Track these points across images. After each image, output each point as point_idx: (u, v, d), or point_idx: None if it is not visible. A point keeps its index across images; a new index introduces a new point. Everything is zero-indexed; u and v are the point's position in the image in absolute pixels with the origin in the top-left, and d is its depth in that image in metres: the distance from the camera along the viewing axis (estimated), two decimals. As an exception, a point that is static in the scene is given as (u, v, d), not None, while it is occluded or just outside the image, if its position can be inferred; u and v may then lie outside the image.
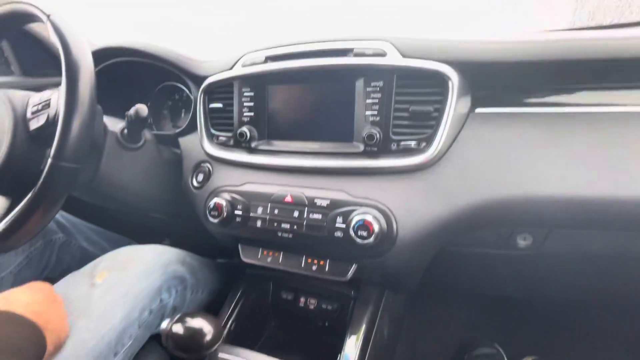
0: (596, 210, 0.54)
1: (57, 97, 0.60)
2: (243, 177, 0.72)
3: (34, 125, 0.60)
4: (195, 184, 0.79)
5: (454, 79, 0.59)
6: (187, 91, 0.93)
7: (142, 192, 0.82)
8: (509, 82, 0.62)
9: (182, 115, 1.05)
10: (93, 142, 0.66)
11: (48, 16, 0.58)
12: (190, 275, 0.73)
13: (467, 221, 0.59)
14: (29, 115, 0.61)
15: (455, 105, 0.59)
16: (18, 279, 0.80)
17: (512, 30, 1.50)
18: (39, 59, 1.11)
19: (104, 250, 0.94)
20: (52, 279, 0.84)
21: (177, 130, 0.87)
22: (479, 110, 0.63)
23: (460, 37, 0.63)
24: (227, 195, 0.70)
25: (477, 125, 0.62)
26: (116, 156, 0.74)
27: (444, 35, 0.64)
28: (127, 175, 0.77)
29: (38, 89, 1.11)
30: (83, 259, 0.91)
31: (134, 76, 0.97)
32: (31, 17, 0.63)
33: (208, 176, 0.77)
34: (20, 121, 0.60)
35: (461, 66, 0.60)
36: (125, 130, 0.74)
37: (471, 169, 0.59)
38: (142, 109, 0.66)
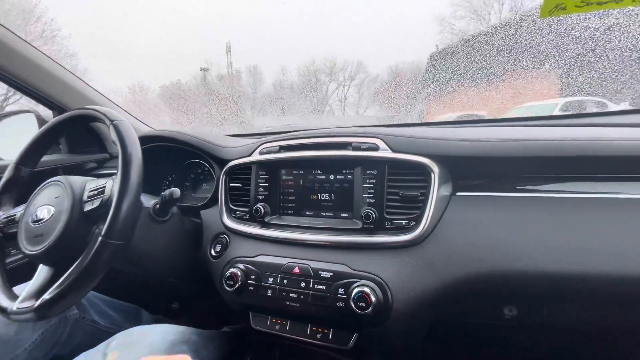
0: (562, 285, 0.61)
1: (111, 185, 0.73)
2: (257, 249, 0.82)
3: (88, 207, 0.72)
4: (213, 253, 0.89)
5: (435, 169, 0.72)
6: (210, 169, 1.08)
7: (164, 259, 0.91)
8: (482, 171, 0.75)
9: (203, 186, 1.19)
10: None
11: (112, 121, 0.75)
12: (193, 354, 0.77)
13: (453, 293, 0.66)
14: (85, 198, 0.74)
15: (437, 190, 0.71)
16: (30, 357, 0.82)
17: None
18: (83, 140, 1.31)
19: (114, 323, 0.99)
20: (63, 357, 0.86)
21: (200, 204, 1.00)
22: (459, 193, 0.75)
23: (440, 135, 0.77)
24: (241, 266, 0.79)
25: (459, 207, 0.72)
26: (146, 228, 0.85)
27: (426, 133, 0.79)
28: (154, 245, 0.87)
29: (82, 164, 1.29)
30: (95, 333, 0.94)
31: (166, 154, 1.13)
32: (96, 119, 0.80)
33: (225, 247, 0.87)
34: (77, 203, 0.73)
35: (440, 159, 0.74)
36: (157, 206, 0.86)
37: (454, 246, 0.68)
38: (176, 192, 0.79)
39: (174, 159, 1.17)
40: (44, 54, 1.14)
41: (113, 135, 0.74)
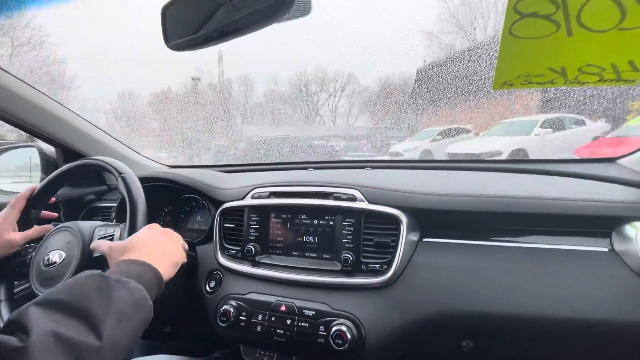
0: (505, 323, 0.73)
1: (119, 234, 0.82)
2: (248, 287, 0.91)
3: (97, 253, 0.81)
4: (208, 289, 0.97)
5: (404, 219, 0.83)
6: (206, 205, 1.17)
7: (164, 293, 0.99)
8: (444, 221, 0.87)
9: (197, 219, 1.28)
10: None
11: (120, 174, 0.84)
12: None
13: (418, 330, 0.77)
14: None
15: (406, 237, 0.82)
16: None
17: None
18: (84, 176, 1.38)
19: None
20: None
21: (196, 240, 1.09)
22: (425, 240, 0.86)
23: (410, 189, 0.88)
24: (234, 303, 0.88)
25: (425, 252, 0.84)
26: None
27: (399, 186, 0.90)
28: None
29: (82, 197, 1.36)
30: None
31: (164, 188, 1.22)
32: (105, 170, 0.89)
33: (219, 283, 0.96)
34: (86, 249, 0.81)
35: (409, 210, 0.85)
36: None
37: (419, 288, 0.79)
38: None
39: (170, 193, 1.26)
40: (47, 95, 1.22)
41: (121, 187, 0.83)
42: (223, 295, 0.93)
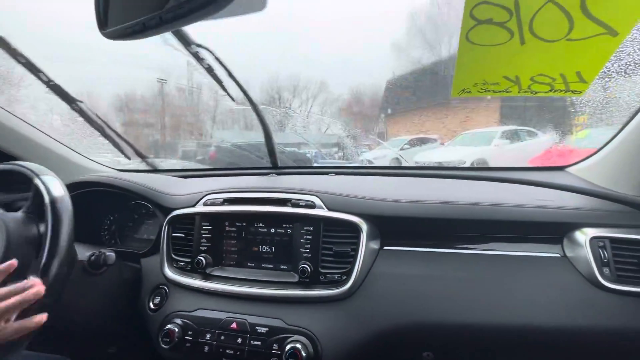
0: (463, 334, 0.71)
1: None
2: (196, 303, 0.83)
3: None
4: (152, 306, 0.88)
5: (364, 227, 0.80)
6: (156, 210, 1.07)
7: (99, 313, 0.88)
8: (404, 228, 0.84)
9: (148, 227, 1.17)
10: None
11: (37, 176, 0.73)
12: None
13: (377, 343, 0.73)
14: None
15: (366, 246, 0.79)
16: None
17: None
18: (11, 184, 1.22)
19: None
20: None
21: (141, 251, 0.98)
22: (386, 248, 0.83)
23: (371, 196, 0.86)
24: (179, 321, 0.79)
25: (385, 261, 0.81)
26: (80, 283, 0.82)
27: (360, 193, 0.87)
28: (88, 299, 0.84)
29: (10, 204, 1.20)
30: None
31: (109, 194, 1.10)
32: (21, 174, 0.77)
33: (164, 299, 0.87)
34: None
35: (369, 218, 0.82)
36: (93, 258, 0.84)
37: (379, 299, 0.76)
38: (110, 258, 0.79)
39: (119, 199, 1.14)
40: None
41: (41, 194, 0.72)
42: (168, 313, 0.83)
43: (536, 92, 0.74)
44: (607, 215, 0.78)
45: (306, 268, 0.78)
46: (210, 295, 0.84)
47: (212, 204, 0.91)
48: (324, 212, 0.82)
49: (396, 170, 1.31)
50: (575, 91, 0.71)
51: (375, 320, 0.74)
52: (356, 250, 0.79)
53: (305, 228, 0.82)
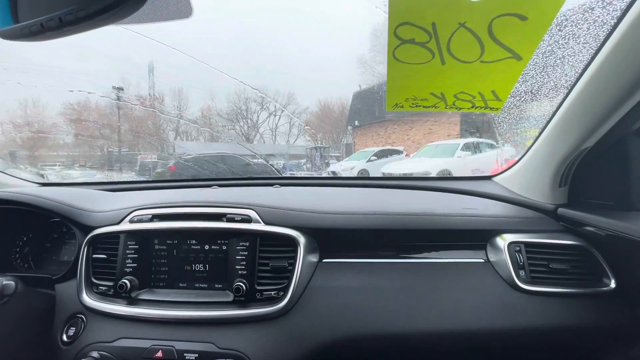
0: (401, 344, 0.72)
1: None
2: (117, 332, 0.75)
3: None
4: (65, 338, 0.77)
5: (302, 240, 0.79)
6: (75, 229, 0.96)
7: (3, 349, 0.76)
8: (343, 239, 0.85)
9: (68, 248, 1.05)
10: None
11: None
12: None
13: None
14: None
15: (303, 259, 0.78)
16: None
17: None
18: None
19: None
20: None
21: (55, 276, 0.87)
22: (325, 260, 0.83)
23: (309, 208, 0.85)
24: (96, 354, 0.71)
25: (324, 274, 0.80)
26: None
27: (299, 205, 0.86)
28: None
29: None
30: None
31: (26, 214, 0.97)
32: None
33: (80, 330, 0.77)
34: None
35: (307, 230, 0.81)
36: None
37: (316, 314, 0.74)
38: (8, 287, 0.69)
39: (34, 217, 1.01)
40: None
41: None
42: (83, 346, 0.74)
43: (460, 108, 0.79)
44: (523, 221, 0.86)
45: (241, 286, 0.74)
46: (134, 322, 0.76)
47: (140, 220, 0.84)
48: (260, 227, 0.79)
49: (342, 180, 1.32)
50: (493, 108, 0.77)
51: (311, 336, 0.73)
52: (293, 264, 0.77)
53: (241, 244, 0.78)
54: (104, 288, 0.81)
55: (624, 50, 0.60)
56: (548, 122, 0.84)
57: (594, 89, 0.68)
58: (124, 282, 0.78)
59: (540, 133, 0.88)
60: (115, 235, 0.83)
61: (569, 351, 0.81)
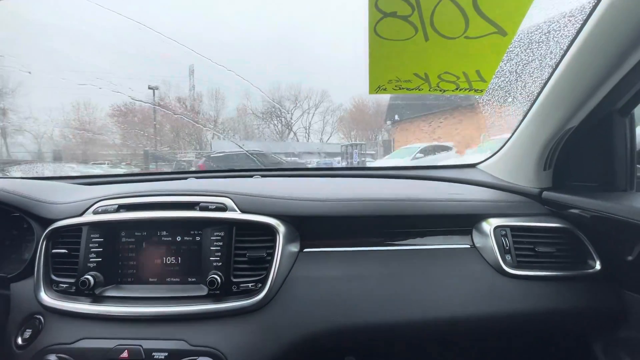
0: (384, 334, 0.69)
1: None
2: (79, 332, 0.68)
3: None
4: (19, 342, 0.70)
5: (281, 229, 0.74)
6: (32, 222, 0.88)
7: None
8: (326, 228, 0.81)
9: (27, 244, 0.96)
10: None
11: None
12: None
13: (294, 355, 0.67)
14: None
15: (283, 249, 0.73)
16: None
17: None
18: None
19: None
20: None
21: (9, 275, 0.79)
22: (306, 250, 0.78)
23: (289, 195, 0.80)
24: (54, 358, 0.64)
25: (305, 264, 0.76)
26: None
27: (279, 193, 0.81)
28: None
29: None
30: None
31: None
32: None
33: (37, 332, 0.70)
34: None
35: (287, 219, 0.76)
36: None
37: (297, 306, 0.70)
38: None
39: None
40: None
41: None
42: (40, 349, 0.67)
43: (444, 90, 0.76)
44: (508, 205, 0.84)
45: (216, 279, 0.69)
46: (98, 321, 0.70)
47: (105, 211, 0.77)
48: (237, 215, 0.74)
49: (325, 171, 1.28)
50: (477, 89, 0.74)
51: (291, 330, 0.68)
52: (272, 255, 0.72)
53: (215, 234, 0.73)
54: (64, 286, 0.74)
55: (607, 25, 0.58)
56: (532, 104, 0.82)
57: (578, 66, 0.66)
58: (87, 279, 0.71)
59: (524, 117, 0.87)
60: (77, 227, 0.76)
61: (556, 334, 0.79)
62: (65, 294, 0.74)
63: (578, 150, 0.79)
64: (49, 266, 0.76)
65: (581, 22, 0.64)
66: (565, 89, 0.70)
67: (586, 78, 0.66)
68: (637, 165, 0.76)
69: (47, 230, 0.77)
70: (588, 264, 0.76)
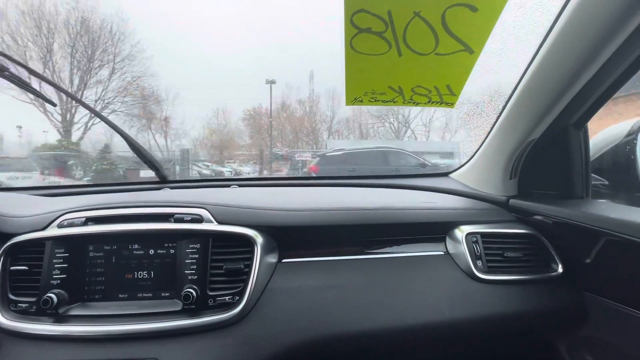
0: (369, 342, 0.69)
1: None
2: (40, 356, 0.64)
3: None
4: (-30, 370, 0.64)
5: (259, 240, 0.73)
6: None
7: None
8: (303, 238, 0.81)
9: None
10: None
11: None
12: None
13: None
14: None
15: (261, 260, 0.72)
16: None
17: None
18: None
19: None
20: None
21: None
22: (285, 260, 0.78)
23: (265, 205, 0.80)
24: (10, 386, 0.59)
25: (283, 275, 0.75)
26: None
27: (256, 204, 0.80)
28: None
29: None
30: None
31: None
32: None
33: (-8, 357, 0.65)
34: None
35: (265, 229, 0.76)
36: None
37: (275, 318, 0.69)
38: None
39: None
40: None
41: None
42: None
43: (417, 103, 0.79)
44: (478, 213, 0.88)
45: (191, 292, 0.67)
46: (62, 342, 0.66)
47: (71, 224, 0.73)
48: (213, 226, 0.73)
49: (301, 180, 1.28)
50: (448, 103, 0.78)
51: (269, 342, 0.67)
52: (250, 266, 0.71)
53: (191, 246, 0.71)
54: (24, 305, 0.69)
55: (562, 45, 0.64)
56: (498, 117, 0.87)
57: (538, 84, 0.72)
58: (49, 297, 0.67)
59: (491, 128, 0.92)
60: (39, 242, 0.72)
61: (523, 336, 0.83)
62: (24, 314, 0.68)
63: (540, 161, 0.85)
64: (7, 284, 0.70)
65: (538, 44, 0.69)
66: (527, 104, 0.75)
67: (544, 94, 0.71)
68: (592, 175, 0.82)
69: (5, 246, 0.71)
70: (551, 267, 0.80)
